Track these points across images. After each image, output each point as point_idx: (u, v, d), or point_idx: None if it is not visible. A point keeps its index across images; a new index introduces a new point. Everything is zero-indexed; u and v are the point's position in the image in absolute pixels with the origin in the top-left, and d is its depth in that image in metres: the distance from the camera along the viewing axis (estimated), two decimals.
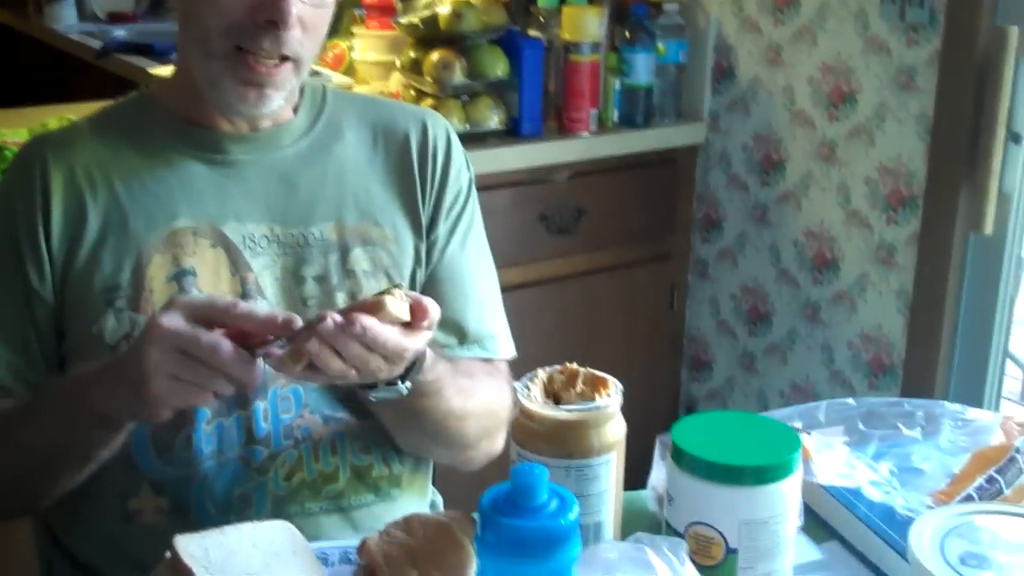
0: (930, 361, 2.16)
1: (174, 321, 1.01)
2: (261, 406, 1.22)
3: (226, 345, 1.00)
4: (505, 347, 1.39)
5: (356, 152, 1.33)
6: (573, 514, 0.83)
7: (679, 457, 1.06)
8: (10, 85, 4.12)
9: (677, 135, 2.50)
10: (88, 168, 1.24)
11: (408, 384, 1.14)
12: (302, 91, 1.32)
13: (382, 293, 1.06)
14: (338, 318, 1.02)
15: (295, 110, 1.32)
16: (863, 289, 2.27)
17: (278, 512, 1.22)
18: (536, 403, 1.08)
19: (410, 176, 1.34)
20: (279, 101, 1.24)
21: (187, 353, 1.00)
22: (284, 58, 1.20)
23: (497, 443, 1.34)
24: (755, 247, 2.47)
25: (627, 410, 1.10)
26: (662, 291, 2.60)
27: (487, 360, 1.36)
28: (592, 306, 2.49)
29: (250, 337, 1.03)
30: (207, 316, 1.02)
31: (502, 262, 1.48)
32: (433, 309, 1.07)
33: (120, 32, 3.53)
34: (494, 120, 2.26)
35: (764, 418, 1.17)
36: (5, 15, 4.03)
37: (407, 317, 1.06)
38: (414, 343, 1.08)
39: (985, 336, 2.12)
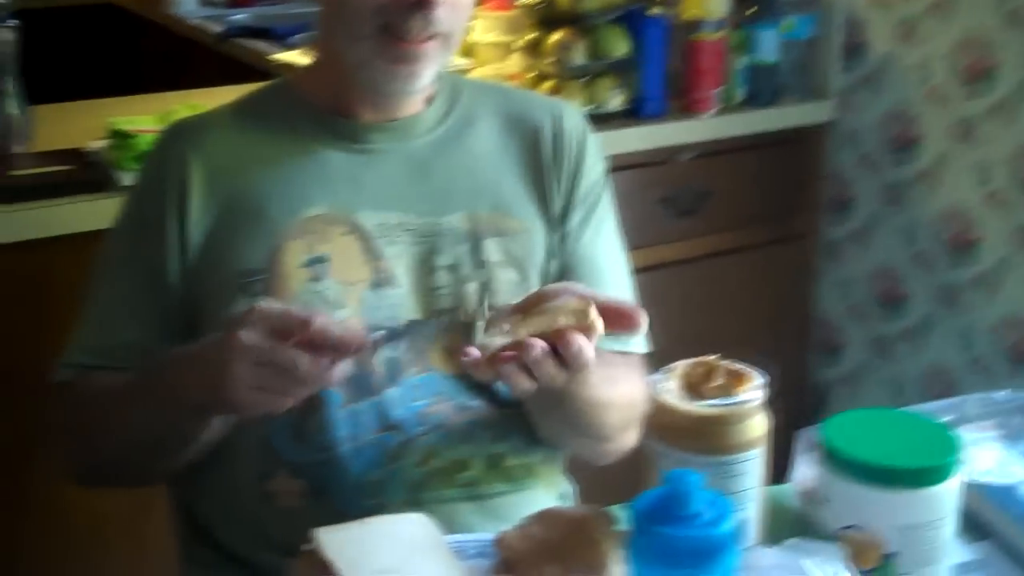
0: None
1: (251, 337, 1.00)
2: (395, 392, 1.22)
3: (304, 360, 0.99)
4: (640, 340, 1.35)
5: (489, 143, 1.33)
6: (731, 522, 0.79)
7: (832, 459, 1.01)
8: (132, 70, 4.21)
9: (805, 113, 2.43)
10: (227, 154, 1.26)
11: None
12: (438, 80, 1.30)
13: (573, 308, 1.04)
14: (545, 346, 1.01)
15: (429, 100, 1.31)
16: (1004, 272, 2.18)
17: (413, 497, 1.22)
18: (676, 397, 1.05)
19: (543, 168, 1.33)
20: (427, 79, 1.24)
21: (266, 366, 1.00)
22: (432, 35, 1.20)
23: (632, 437, 1.31)
24: (888, 229, 2.39)
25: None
26: (789, 274, 2.53)
27: (622, 352, 1.32)
28: (716, 289, 2.43)
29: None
30: (284, 327, 1.01)
31: (625, 244, 1.44)
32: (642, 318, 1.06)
33: (240, 16, 3.57)
34: (616, 101, 2.22)
35: (919, 416, 1.11)
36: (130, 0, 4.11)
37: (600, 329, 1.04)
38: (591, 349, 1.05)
39: None
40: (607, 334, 1.06)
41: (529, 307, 1.06)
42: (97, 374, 1.24)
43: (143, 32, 4.06)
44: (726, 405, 1.04)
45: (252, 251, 1.22)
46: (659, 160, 2.28)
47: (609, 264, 1.36)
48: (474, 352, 1.02)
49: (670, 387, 1.06)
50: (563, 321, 1.03)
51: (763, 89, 2.35)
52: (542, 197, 1.32)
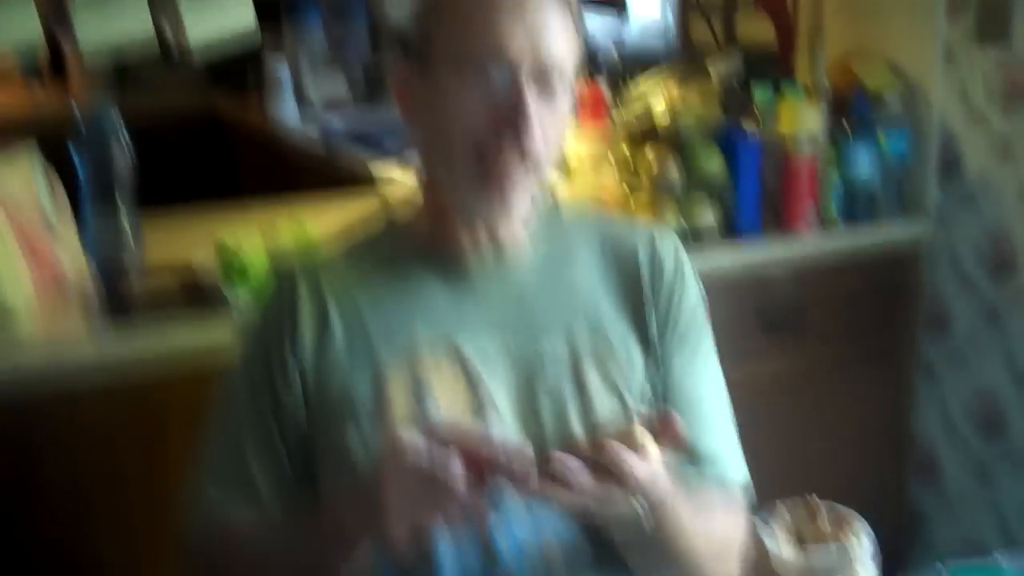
0: None
1: (412, 437, 1.05)
2: (499, 528, 1.23)
3: (457, 465, 1.03)
4: (737, 468, 1.36)
5: (587, 270, 1.35)
6: None
7: None
8: (231, 173, 4.33)
9: (901, 231, 2.41)
10: (336, 291, 1.30)
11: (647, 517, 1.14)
12: (536, 207, 1.32)
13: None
14: (573, 463, 1.04)
15: (529, 227, 1.34)
16: None
17: None
18: (781, 544, 1.05)
19: (640, 295, 1.35)
20: (521, 204, 1.27)
21: (420, 469, 1.04)
22: (524, 158, 1.22)
23: (732, 571, 1.31)
24: (987, 349, 2.35)
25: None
26: (886, 393, 2.50)
27: (719, 482, 1.33)
28: (812, 407, 2.40)
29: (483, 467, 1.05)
30: (443, 438, 1.06)
31: (720, 361, 1.44)
32: (680, 425, 1.10)
33: (337, 121, 3.67)
34: (709, 218, 2.23)
35: None
36: (230, 106, 4.24)
37: (653, 448, 1.07)
38: (653, 471, 1.09)
39: None
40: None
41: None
42: (235, 515, 1.28)
43: (242, 136, 4.18)
44: (834, 555, 1.04)
45: (361, 381, 1.26)
46: (755, 277, 2.28)
47: (707, 392, 1.37)
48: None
49: (775, 533, 1.07)
50: None
51: (859, 206, 2.34)
52: (640, 324, 1.34)
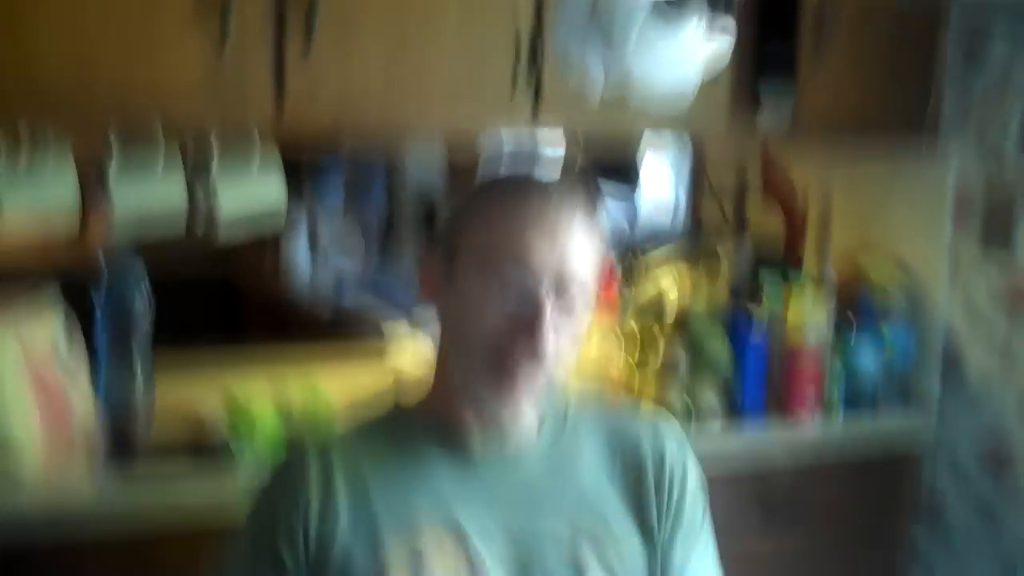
0: None
1: None
2: None
3: None
4: None
5: (593, 461, 1.39)
6: None
7: None
8: (237, 317, 4.32)
9: (901, 423, 2.45)
10: (343, 465, 1.33)
11: None
12: (545, 399, 1.37)
13: None
14: None
15: (540, 417, 1.38)
16: None
17: None
18: None
19: (643, 486, 1.39)
20: (530, 402, 1.32)
21: None
22: (537, 362, 1.27)
23: None
24: (981, 545, 2.36)
25: None
26: None
27: None
28: None
29: None
30: None
31: (719, 552, 1.48)
32: None
33: (350, 287, 3.71)
34: (712, 399, 2.26)
35: None
36: (246, 276, 4.23)
37: None
38: None
39: None
40: None
41: None
42: None
43: (255, 306, 4.18)
44: None
45: (359, 553, 1.28)
46: (755, 464, 2.30)
47: None
48: None
49: None
50: None
51: (861, 397, 2.38)
52: (642, 514, 1.38)
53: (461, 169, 4.09)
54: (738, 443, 2.27)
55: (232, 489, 1.87)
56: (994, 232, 2.31)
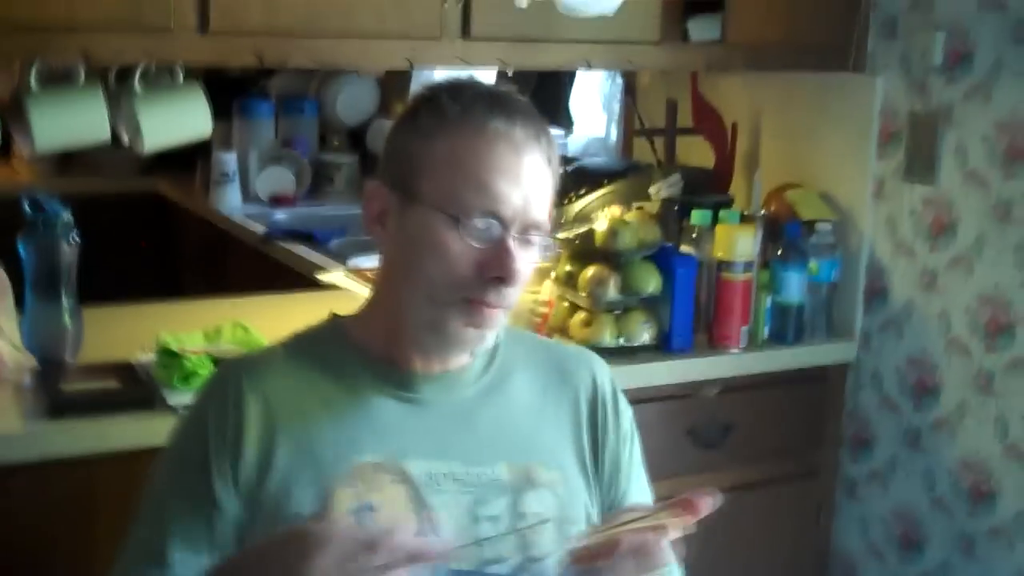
0: None
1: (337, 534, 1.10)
2: None
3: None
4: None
5: (528, 394, 1.40)
6: None
7: None
8: (172, 259, 4.33)
9: (827, 353, 2.50)
10: (281, 396, 1.31)
11: None
12: None
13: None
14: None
15: (473, 352, 1.38)
16: (1022, 527, 2.20)
17: None
18: None
19: (579, 421, 1.41)
20: (491, 342, 1.34)
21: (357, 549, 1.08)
22: (505, 306, 1.29)
23: None
24: (907, 471, 2.43)
25: None
26: (808, 509, 2.56)
27: None
28: (737, 521, 2.44)
29: None
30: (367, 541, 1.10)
31: (649, 475, 1.52)
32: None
33: (281, 215, 3.70)
34: (645, 335, 2.29)
35: None
36: (175, 191, 4.25)
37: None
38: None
39: None
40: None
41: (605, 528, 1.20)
42: None
43: (184, 222, 4.19)
44: None
45: (303, 495, 1.27)
46: (685, 393, 2.34)
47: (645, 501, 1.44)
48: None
49: None
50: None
51: (788, 328, 2.42)
52: (579, 449, 1.40)
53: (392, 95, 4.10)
54: (669, 373, 2.31)
55: (164, 433, 1.88)
56: (918, 163, 2.35)
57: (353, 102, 4.08)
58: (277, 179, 3.88)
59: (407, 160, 1.30)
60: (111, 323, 2.28)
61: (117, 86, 2.02)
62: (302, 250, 3.22)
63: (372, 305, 1.40)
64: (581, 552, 1.20)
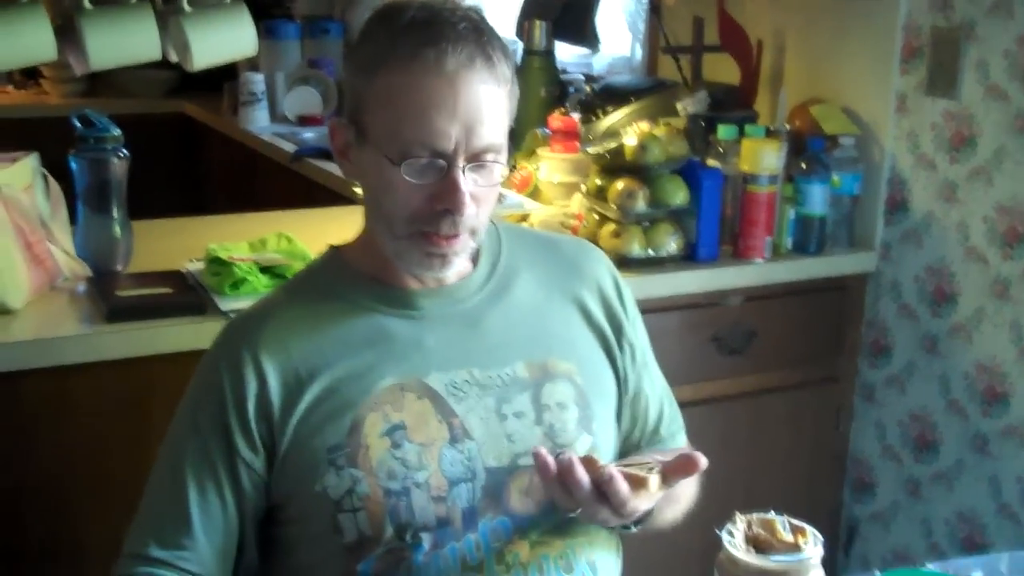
0: None
1: None
2: (472, 538, 1.34)
3: None
4: (684, 435, 1.59)
5: (533, 291, 1.45)
6: None
7: None
8: (200, 178, 4.41)
9: (848, 263, 2.57)
10: (295, 341, 1.35)
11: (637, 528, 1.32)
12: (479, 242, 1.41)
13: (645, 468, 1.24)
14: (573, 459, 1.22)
15: (474, 260, 1.43)
16: None
17: None
18: (741, 551, 1.17)
19: (587, 310, 1.47)
20: (461, 264, 1.38)
21: None
22: (460, 234, 1.32)
23: (680, 512, 1.50)
24: (924, 376, 2.52)
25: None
26: (828, 413, 2.66)
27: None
28: (759, 425, 2.56)
29: None
30: None
31: (675, 380, 1.63)
32: (701, 462, 1.24)
33: (309, 135, 3.77)
34: (673, 246, 2.37)
35: None
36: (201, 112, 4.32)
37: (659, 493, 1.25)
38: (645, 504, 1.23)
39: None
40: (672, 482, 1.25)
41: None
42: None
43: (212, 142, 4.26)
44: (790, 562, 1.16)
45: (334, 428, 1.32)
46: (711, 302, 2.43)
47: (657, 384, 1.56)
48: (550, 460, 1.20)
49: (737, 540, 1.19)
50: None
51: (811, 239, 2.50)
52: (593, 336, 1.47)
53: None
54: (695, 282, 2.39)
55: (213, 333, 1.97)
56: (939, 78, 2.41)
57: None
58: (304, 99, 3.94)
59: (354, 96, 1.32)
60: (157, 236, 2.37)
61: (164, 5, 2.09)
62: (333, 168, 3.29)
63: (364, 231, 1.43)
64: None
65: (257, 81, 3.88)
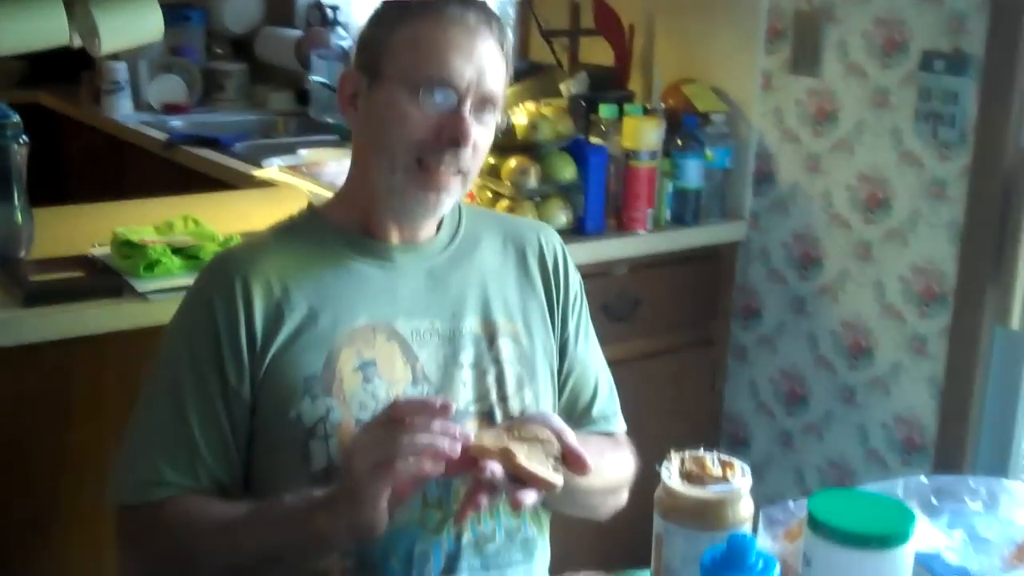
0: (960, 441, 2.40)
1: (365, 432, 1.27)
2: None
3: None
4: (621, 420, 1.69)
5: (491, 259, 1.58)
6: (776, 572, 1.05)
7: (816, 527, 1.27)
8: (57, 170, 4.31)
9: (722, 232, 2.76)
10: (279, 275, 1.45)
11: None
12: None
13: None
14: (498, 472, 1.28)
15: (439, 225, 1.56)
16: (896, 376, 2.51)
17: (451, 566, 1.44)
18: (679, 483, 1.28)
19: (535, 281, 1.60)
20: (448, 207, 1.49)
21: (375, 439, 1.24)
22: (458, 171, 1.44)
23: (623, 499, 1.60)
24: (793, 335, 2.72)
25: None
26: (705, 374, 2.84)
27: (609, 433, 1.64)
28: (644, 386, 2.69)
29: None
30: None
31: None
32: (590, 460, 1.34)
33: (177, 123, 3.76)
34: (563, 219, 2.50)
35: (878, 495, 1.39)
36: (58, 102, 4.24)
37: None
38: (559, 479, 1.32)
39: (1010, 416, 2.37)
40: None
41: (516, 427, 1.35)
42: (186, 489, 1.40)
43: (72, 133, 4.18)
44: (724, 491, 1.28)
45: (312, 359, 1.42)
46: (600, 272, 2.56)
47: (596, 363, 1.67)
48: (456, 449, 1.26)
49: (672, 474, 1.30)
50: (538, 452, 1.32)
51: (687, 211, 2.66)
52: (538, 306, 1.59)
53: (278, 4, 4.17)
54: (585, 253, 2.52)
55: (133, 314, 2.01)
56: (802, 57, 2.60)
57: (240, 10, 4.13)
58: (169, 87, 3.93)
59: (374, 45, 1.46)
60: (52, 223, 2.36)
61: None
62: (209, 154, 3.31)
63: (348, 186, 1.55)
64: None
65: (120, 69, 3.84)
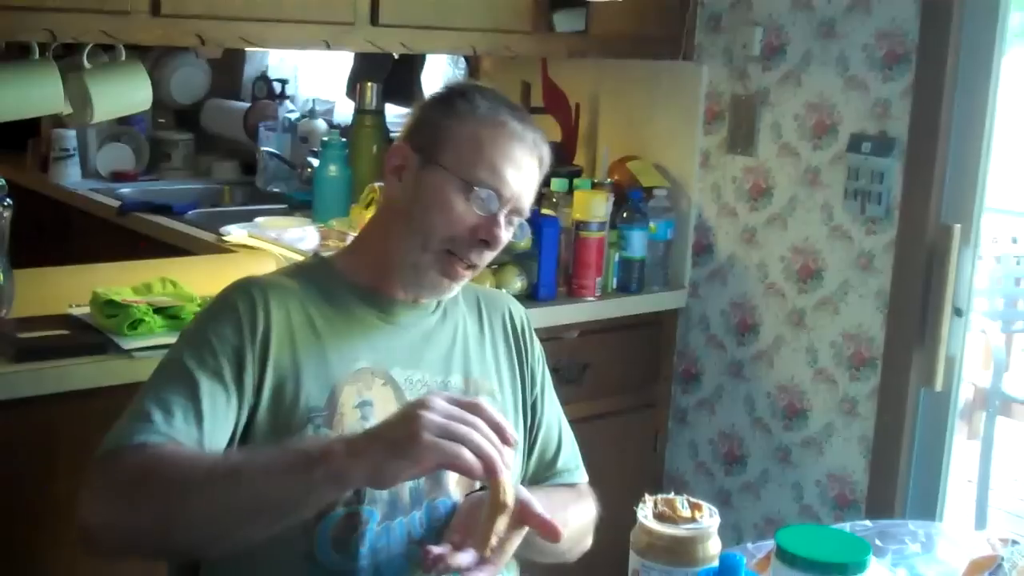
0: (889, 496, 2.57)
1: (440, 401, 1.31)
2: (417, 515, 1.56)
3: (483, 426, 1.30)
4: (583, 471, 1.83)
5: (471, 323, 1.73)
6: None
7: (784, 557, 1.41)
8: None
9: (664, 300, 2.92)
10: (295, 311, 1.56)
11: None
12: None
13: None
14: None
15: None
16: (829, 435, 2.68)
17: None
18: (654, 523, 1.38)
19: (507, 344, 1.75)
20: (454, 293, 1.64)
21: (452, 414, 1.29)
22: (476, 268, 1.60)
23: (587, 545, 1.74)
24: (731, 398, 2.88)
25: (621, 538, 1.42)
26: (647, 436, 2.98)
27: (572, 484, 1.78)
28: (590, 447, 2.77)
29: None
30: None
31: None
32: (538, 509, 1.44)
33: (125, 190, 3.82)
34: (518, 285, 2.64)
35: (838, 530, 1.54)
36: (3, 169, 4.25)
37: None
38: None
39: (935, 472, 2.55)
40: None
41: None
42: (172, 443, 1.39)
43: (17, 200, 4.19)
44: (695, 529, 1.39)
45: (317, 391, 1.52)
46: (552, 336, 2.70)
47: (559, 420, 1.81)
48: (434, 552, 1.37)
49: (648, 514, 1.42)
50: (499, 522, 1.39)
51: (632, 279, 2.82)
52: (510, 369, 1.73)
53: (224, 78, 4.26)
54: (538, 318, 2.64)
55: (118, 372, 2.09)
56: (739, 137, 2.80)
57: (186, 82, 4.23)
58: (117, 156, 4.00)
59: (436, 131, 1.58)
60: (30, 283, 2.43)
61: (61, 62, 2.20)
62: (165, 220, 3.37)
63: (362, 244, 1.68)
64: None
65: (69, 137, 3.90)
